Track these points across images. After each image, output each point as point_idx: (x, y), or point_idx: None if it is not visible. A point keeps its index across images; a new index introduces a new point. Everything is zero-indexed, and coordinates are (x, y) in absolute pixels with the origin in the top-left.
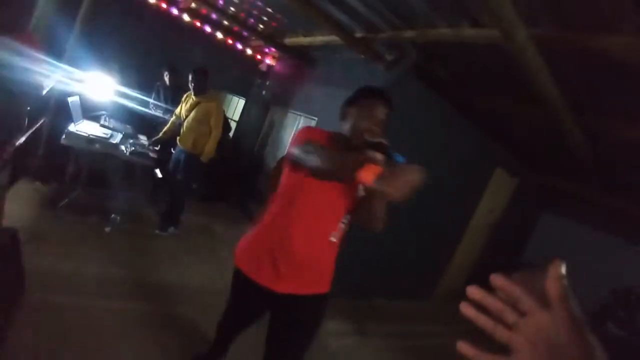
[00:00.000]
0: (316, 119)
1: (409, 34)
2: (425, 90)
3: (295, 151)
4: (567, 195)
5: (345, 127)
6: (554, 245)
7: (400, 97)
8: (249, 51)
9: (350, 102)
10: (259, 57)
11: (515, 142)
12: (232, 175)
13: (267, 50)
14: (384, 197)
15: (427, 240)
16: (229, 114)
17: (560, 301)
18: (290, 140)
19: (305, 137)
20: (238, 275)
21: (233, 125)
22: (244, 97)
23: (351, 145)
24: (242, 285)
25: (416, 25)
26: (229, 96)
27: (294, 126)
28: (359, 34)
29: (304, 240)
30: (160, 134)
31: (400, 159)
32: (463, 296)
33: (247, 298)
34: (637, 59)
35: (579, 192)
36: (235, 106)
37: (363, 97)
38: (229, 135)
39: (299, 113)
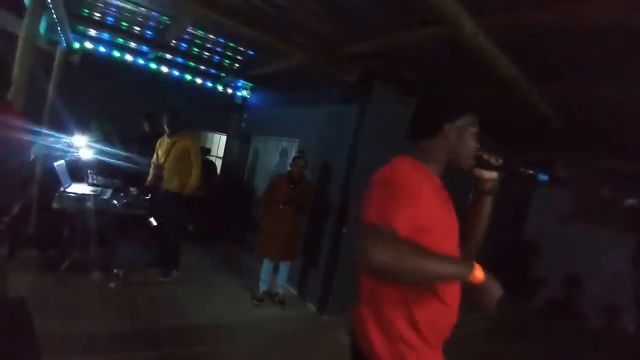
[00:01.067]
0: (297, 140)
1: (367, 44)
2: (398, 96)
3: (379, 248)
4: (543, 164)
5: (439, 147)
6: (553, 217)
7: (375, 107)
8: (219, 87)
9: (450, 117)
10: (230, 91)
11: (493, 127)
12: (225, 210)
13: (238, 83)
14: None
15: None
16: (213, 152)
17: None
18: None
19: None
20: None
21: (218, 163)
22: (224, 132)
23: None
24: None
25: (373, 35)
26: (211, 134)
27: (277, 151)
28: (319, 52)
29: None
30: (147, 182)
31: (542, 177)
32: None
33: None
34: (583, 25)
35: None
36: (218, 142)
37: (465, 110)
38: (216, 174)
39: (280, 138)
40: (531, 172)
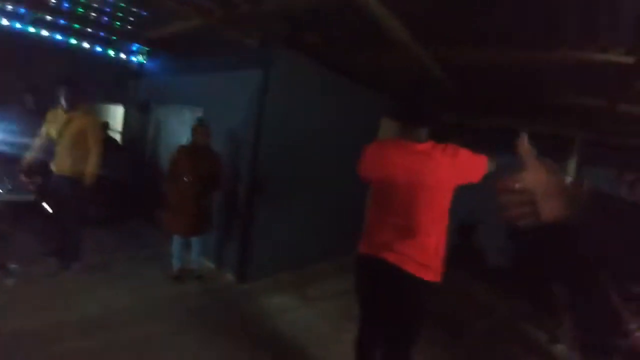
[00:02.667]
0: (201, 108)
1: (268, 5)
2: (302, 59)
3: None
4: (450, 126)
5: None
6: None
7: (280, 72)
8: (111, 52)
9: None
10: (124, 56)
11: (392, 90)
12: (129, 188)
13: (133, 48)
14: None
15: (344, 199)
16: (110, 125)
17: (528, 152)
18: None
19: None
20: None
21: (117, 137)
22: (121, 103)
23: None
24: None
25: None
26: (106, 106)
27: (180, 121)
28: (217, 13)
29: None
30: (29, 157)
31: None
32: None
33: None
34: None
35: (456, 121)
36: (115, 115)
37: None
38: (118, 151)
39: (182, 106)
40: None
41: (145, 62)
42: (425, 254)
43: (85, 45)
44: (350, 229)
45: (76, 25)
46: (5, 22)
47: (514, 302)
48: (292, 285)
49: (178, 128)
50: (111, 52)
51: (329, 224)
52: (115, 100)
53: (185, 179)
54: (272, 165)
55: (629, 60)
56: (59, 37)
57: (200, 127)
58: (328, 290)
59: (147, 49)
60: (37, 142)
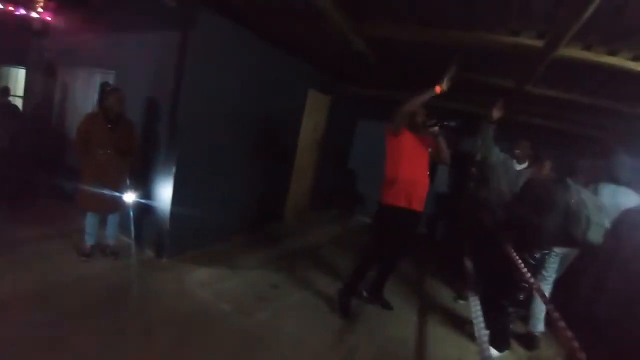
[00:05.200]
0: (114, 72)
1: None
2: (226, 24)
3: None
4: (371, 100)
5: None
6: (372, 148)
7: (201, 35)
8: (10, 8)
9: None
10: (24, 12)
11: (319, 62)
12: (34, 161)
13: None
14: None
15: (268, 169)
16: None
17: None
18: None
19: None
20: None
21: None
22: (23, 66)
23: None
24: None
25: None
26: (5, 69)
27: (90, 86)
28: None
29: None
30: None
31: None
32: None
33: None
34: None
35: (378, 96)
36: (16, 79)
37: None
38: (18, 118)
39: (93, 70)
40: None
41: (49, 19)
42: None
43: None
44: (272, 200)
45: None
46: None
47: (431, 265)
48: (213, 258)
49: (88, 94)
50: (10, 8)
51: (251, 195)
52: (15, 62)
53: (100, 151)
54: (192, 136)
55: (539, 43)
56: None
57: (113, 93)
58: (251, 261)
59: (52, 4)
60: None
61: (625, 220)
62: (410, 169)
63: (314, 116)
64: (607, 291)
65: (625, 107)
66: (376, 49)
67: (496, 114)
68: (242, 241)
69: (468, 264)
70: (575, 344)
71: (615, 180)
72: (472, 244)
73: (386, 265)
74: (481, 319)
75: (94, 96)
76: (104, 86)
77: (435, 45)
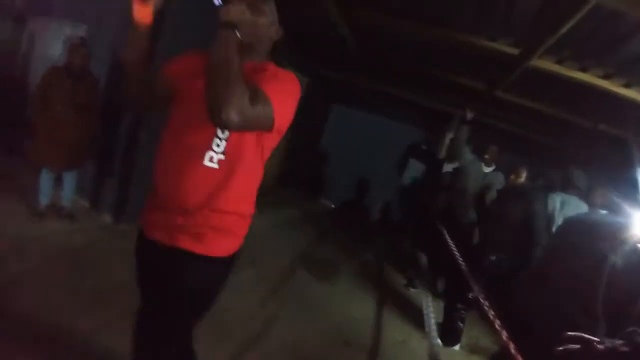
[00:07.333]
0: (85, 26)
1: None
2: None
3: None
4: (347, 86)
5: None
6: (344, 132)
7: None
8: None
9: None
10: None
11: (300, 44)
12: None
13: None
14: None
15: None
16: None
17: None
18: None
19: None
20: None
21: None
22: None
23: None
24: None
25: None
26: None
27: (59, 39)
28: None
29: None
30: None
31: None
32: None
33: None
34: None
35: (354, 82)
36: None
37: None
38: None
39: (62, 21)
40: None
41: None
42: None
43: None
44: None
45: None
46: None
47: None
48: None
49: (56, 47)
50: None
51: None
52: None
53: (60, 106)
54: None
55: (514, 51)
56: None
57: (78, 47)
58: None
59: None
60: None
61: (565, 227)
62: None
63: None
64: (543, 288)
65: (587, 123)
66: (358, 36)
67: (469, 114)
68: None
69: (423, 258)
70: (506, 333)
71: (566, 190)
72: (426, 240)
73: None
74: (431, 310)
75: (62, 50)
76: (71, 39)
77: (414, 40)
